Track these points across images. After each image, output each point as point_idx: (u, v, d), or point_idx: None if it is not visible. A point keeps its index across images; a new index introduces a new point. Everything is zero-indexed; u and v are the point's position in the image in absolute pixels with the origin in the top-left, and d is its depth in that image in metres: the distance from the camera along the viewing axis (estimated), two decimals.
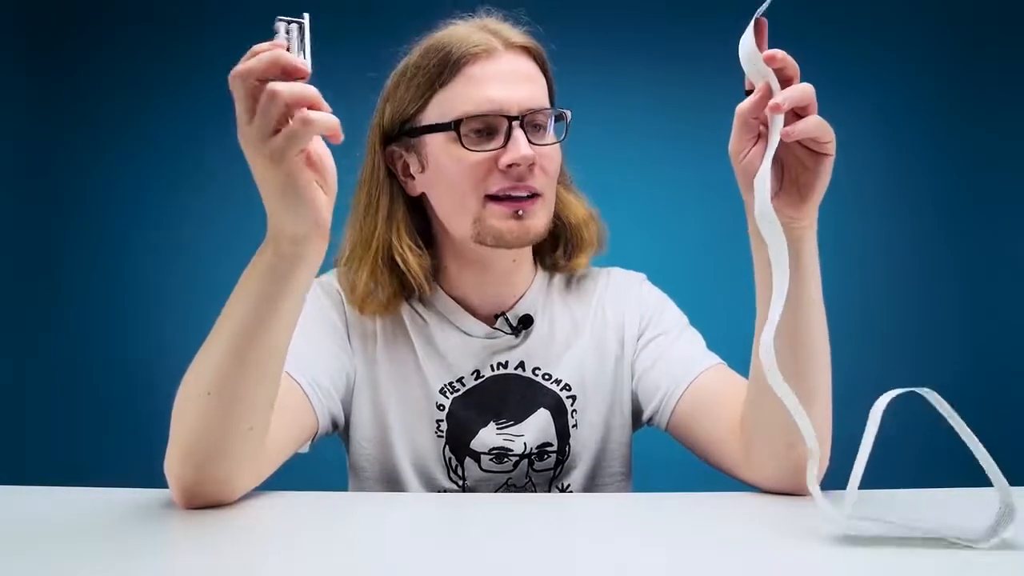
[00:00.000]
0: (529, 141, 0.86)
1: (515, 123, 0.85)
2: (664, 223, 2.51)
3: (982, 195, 2.64)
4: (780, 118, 0.66)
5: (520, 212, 0.87)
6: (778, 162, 0.71)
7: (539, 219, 0.90)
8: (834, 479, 0.80)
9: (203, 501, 0.73)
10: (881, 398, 0.60)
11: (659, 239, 2.38)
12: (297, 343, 0.91)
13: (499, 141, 0.86)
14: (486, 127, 0.87)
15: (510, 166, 0.86)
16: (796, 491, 0.80)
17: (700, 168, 2.57)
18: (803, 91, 0.66)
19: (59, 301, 2.58)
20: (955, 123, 2.58)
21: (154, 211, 2.60)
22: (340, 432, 0.99)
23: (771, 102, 0.65)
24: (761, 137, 0.70)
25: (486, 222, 0.88)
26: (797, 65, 0.67)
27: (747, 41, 0.66)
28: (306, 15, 0.64)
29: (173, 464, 0.72)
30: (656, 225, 2.48)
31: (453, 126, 0.86)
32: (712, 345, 0.99)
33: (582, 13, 2.56)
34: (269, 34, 0.62)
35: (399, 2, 1.98)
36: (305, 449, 0.94)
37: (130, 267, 2.59)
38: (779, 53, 0.66)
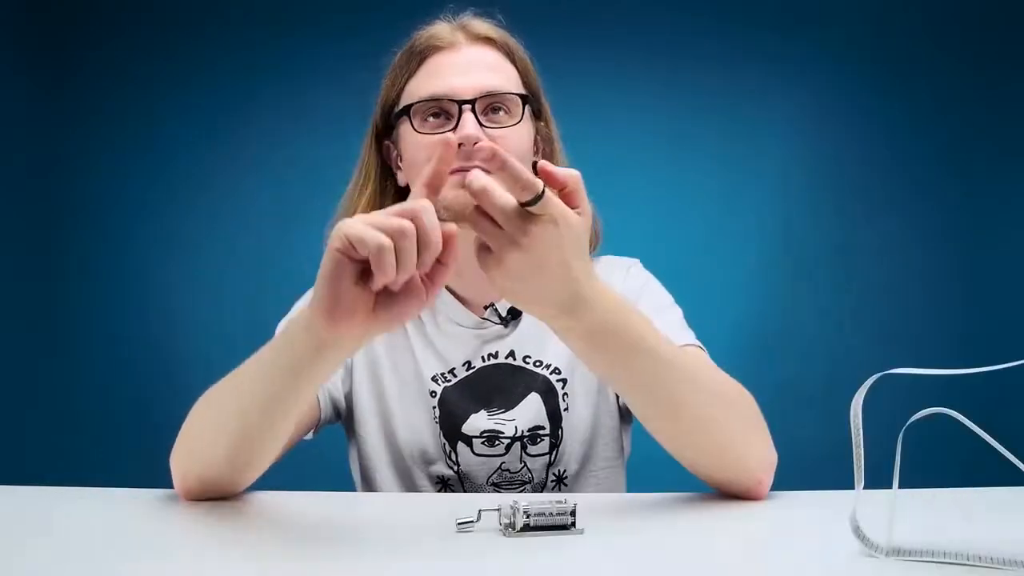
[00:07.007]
0: (483, 125, 0.89)
1: (465, 106, 0.89)
2: (663, 223, 2.51)
3: (982, 194, 2.63)
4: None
5: None
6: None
7: None
8: (834, 481, 0.80)
9: (204, 496, 0.75)
10: (856, 400, 0.59)
11: (658, 239, 2.38)
12: None
13: (451, 124, 0.89)
14: (442, 111, 0.91)
15: (460, 146, 0.88)
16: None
17: (699, 168, 2.57)
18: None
19: (61, 301, 2.58)
20: (956, 122, 2.57)
21: (156, 210, 2.59)
22: (343, 421, 1.02)
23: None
24: None
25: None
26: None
27: None
28: None
29: (180, 460, 0.75)
30: (655, 225, 2.47)
31: (405, 111, 0.91)
32: (709, 343, 0.98)
33: (582, 14, 2.55)
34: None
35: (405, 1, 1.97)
36: (309, 436, 0.97)
37: (133, 267, 2.59)
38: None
